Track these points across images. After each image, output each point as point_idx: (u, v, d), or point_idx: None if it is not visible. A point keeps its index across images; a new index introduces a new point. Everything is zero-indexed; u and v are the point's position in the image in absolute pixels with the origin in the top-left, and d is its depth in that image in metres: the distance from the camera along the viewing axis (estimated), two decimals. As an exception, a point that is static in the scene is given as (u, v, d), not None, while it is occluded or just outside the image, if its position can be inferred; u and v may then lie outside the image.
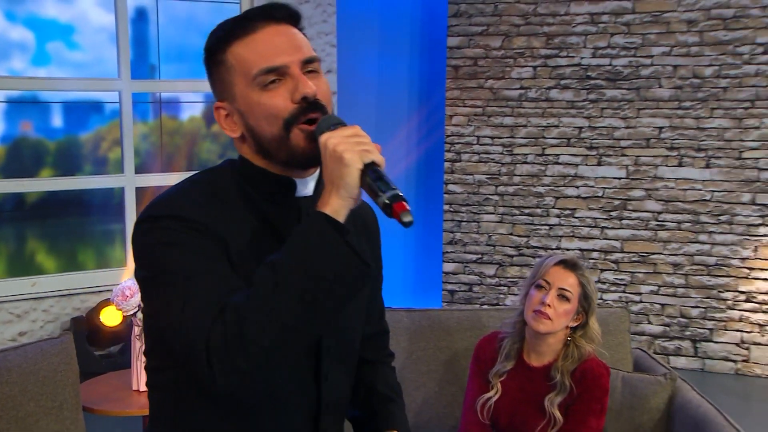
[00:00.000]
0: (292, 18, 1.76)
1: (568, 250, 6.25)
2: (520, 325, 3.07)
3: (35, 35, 5.66)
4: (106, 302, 5.29)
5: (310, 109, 1.65)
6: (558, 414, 2.91)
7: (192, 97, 6.37)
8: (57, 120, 5.99)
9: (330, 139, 1.57)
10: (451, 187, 6.51)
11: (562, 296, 2.97)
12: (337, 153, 1.55)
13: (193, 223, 1.68)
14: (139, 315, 3.95)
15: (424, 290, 6.70)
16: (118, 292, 3.92)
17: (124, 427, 4.82)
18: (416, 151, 7.12)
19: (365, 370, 2.00)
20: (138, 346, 3.92)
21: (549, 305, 2.94)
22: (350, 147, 1.55)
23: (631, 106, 6.06)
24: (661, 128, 6.01)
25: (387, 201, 1.55)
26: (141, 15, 5.97)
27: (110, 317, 5.29)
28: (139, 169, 5.89)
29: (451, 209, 6.55)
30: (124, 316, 4.18)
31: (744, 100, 5.77)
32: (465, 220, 6.48)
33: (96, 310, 5.29)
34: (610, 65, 6.08)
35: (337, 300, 1.61)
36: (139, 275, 1.72)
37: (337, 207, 1.57)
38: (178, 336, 1.63)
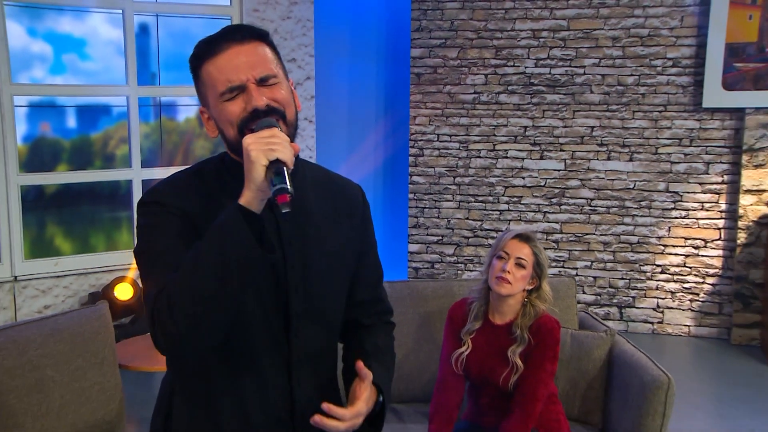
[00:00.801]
0: (255, 36, 1.84)
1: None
2: (485, 291, 3.31)
3: (53, 48, 5.72)
4: (118, 279, 5.55)
5: (258, 117, 1.77)
6: (519, 362, 3.16)
7: (187, 100, 6.32)
8: (71, 121, 6.03)
9: (246, 139, 1.70)
10: (414, 178, 6.63)
11: (519, 264, 3.21)
12: (247, 151, 1.68)
13: (170, 207, 1.83)
14: None
15: (393, 267, 6.70)
16: None
17: (152, 379, 5.23)
18: (384, 147, 7.23)
19: (361, 332, 2.06)
20: None
21: (509, 272, 3.18)
22: (259, 147, 1.68)
23: (567, 108, 6.32)
24: (592, 128, 6.30)
25: (272, 194, 1.68)
26: (143, 29, 5.99)
27: (123, 292, 5.49)
28: (143, 164, 5.95)
29: (415, 197, 6.71)
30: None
31: (659, 105, 6.11)
32: (427, 206, 6.62)
33: (110, 286, 5.47)
34: (549, 74, 6.33)
35: (244, 277, 1.73)
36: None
37: (249, 198, 1.70)
38: (142, 294, 1.87)
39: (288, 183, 1.65)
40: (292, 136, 1.84)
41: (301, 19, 6.24)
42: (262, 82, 1.76)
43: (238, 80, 1.75)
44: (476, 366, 3.23)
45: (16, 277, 5.38)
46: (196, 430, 1.92)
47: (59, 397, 3.29)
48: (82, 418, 3.40)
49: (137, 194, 5.92)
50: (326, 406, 1.75)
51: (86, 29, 5.85)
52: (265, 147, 1.65)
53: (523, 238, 3.26)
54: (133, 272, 5.83)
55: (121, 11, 5.63)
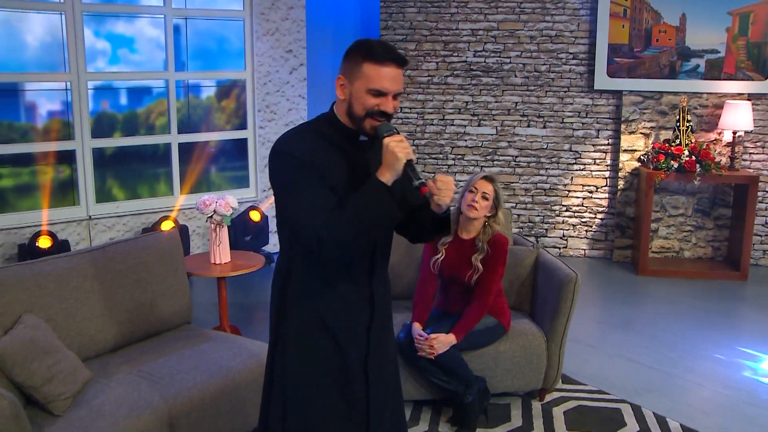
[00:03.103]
0: (405, 65, 2.13)
1: (460, 182, 6.66)
2: (457, 214, 3.68)
3: (111, 44, 6.13)
4: (163, 218, 6.03)
5: (380, 115, 2.10)
6: (480, 265, 3.59)
7: (208, 83, 6.72)
8: (123, 99, 6.39)
9: (391, 142, 2.05)
10: None
11: (484, 197, 3.61)
12: (392, 151, 2.04)
13: (302, 157, 2.09)
14: (216, 217, 4.51)
15: None
16: (200, 204, 4.55)
17: (209, 284, 5.83)
18: None
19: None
20: (214, 236, 4.53)
21: (477, 201, 3.59)
22: (401, 149, 2.04)
23: (498, 88, 6.80)
24: (516, 103, 6.79)
25: (416, 185, 2.04)
26: (176, 29, 6.38)
27: (166, 227, 5.81)
28: (178, 131, 6.41)
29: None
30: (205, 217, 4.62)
31: (564, 86, 6.66)
32: None
33: (158, 222, 5.97)
34: (484, 62, 6.79)
35: (383, 226, 2.12)
36: (272, 185, 2.17)
37: (389, 178, 2.05)
38: (300, 227, 2.07)
39: (421, 176, 2.04)
40: None
41: (296, 20, 6.78)
42: (394, 96, 2.12)
43: (385, 89, 2.09)
44: (447, 268, 3.67)
45: (90, 216, 5.91)
46: (311, 301, 2.24)
47: (151, 293, 3.61)
48: (167, 309, 3.70)
49: (174, 154, 6.35)
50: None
51: (135, 30, 6.27)
52: (404, 150, 2.04)
53: (489, 178, 3.67)
54: (175, 213, 6.22)
55: (163, 16, 6.19)
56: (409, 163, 2.06)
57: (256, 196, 6.92)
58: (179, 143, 6.48)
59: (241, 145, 6.99)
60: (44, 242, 5.40)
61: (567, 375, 4.32)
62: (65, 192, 6.02)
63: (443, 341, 3.54)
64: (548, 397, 4.01)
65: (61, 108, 6.00)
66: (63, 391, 2.87)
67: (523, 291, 4.14)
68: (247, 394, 3.23)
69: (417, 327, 3.63)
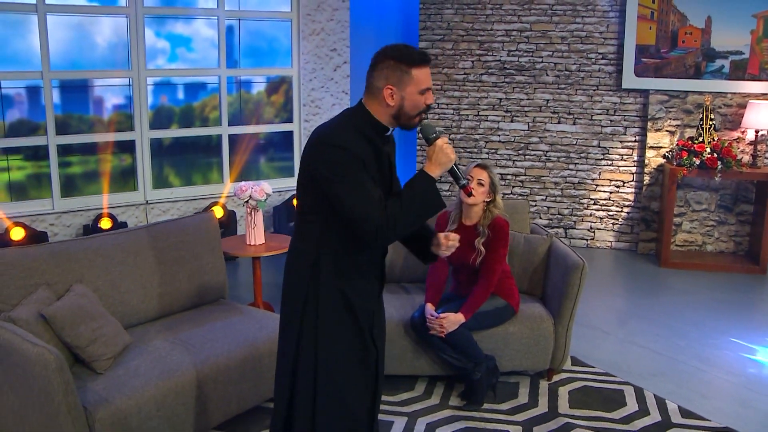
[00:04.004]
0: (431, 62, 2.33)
1: None
2: (459, 203, 3.81)
3: (170, 44, 6.39)
4: (213, 203, 6.23)
5: (426, 111, 2.31)
6: (482, 248, 3.68)
7: (259, 79, 6.93)
8: (180, 94, 6.64)
9: (444, 144, 2.29)
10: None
11: (480, 183, 3.68)
12: (446, 152, 2.27)
13: (356, 151, 2.22)
14: (251, 202, 4.63)
15: None
16: (237, 189, 4.69)
17: (244, 264, 5.98)
18: None
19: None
20: (249, 219, 4.66)
21: (473, 188, 3.66)
22: (450, 151, 2.28)
23: (530, 86, 6.79)
24: (548, 100, 6.78)
25: (462, 185, 2.35)
26: (230, 29, 6.62)
27: (216, 212, 6.05)
28: (229, 123, 6.62)
29: (422, 149, 7.18)
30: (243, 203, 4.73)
31: (593, 85, 6.63)
32: None
33: (208, 207, 6.17)
34: (517, 61, 6.80)
35: (431, 215, 2.30)
36: (323, 176, 2.22)
37: (436, 174, 2.28)
38: (361, 218, 2.19)
39: (465, 177, 2.35)
40: None
41: (340, 21, 6.96)
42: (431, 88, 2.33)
43: (429, 86, 2.30)
44: (454, 254, 3.25)
45: (147, 201, 6.17)
46: (339, 279, 2.36)
47: (189, 270, 3.81)
48: (204, 284, 3.89)
49: (225, 145, 6.57)
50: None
51: (191, 31, 6.52)
52: (453, 154, 2.30)
53: (482, 166, 3.77)
54: (223, 199, 6.40)
55: (216, 17, 6.43)
56: (456, 164, 2.34)
57: (301, 185, 7.08)
58: (229, 135, 6.69)
59: (288, 137, 7.19)
60: (105, 224, 5.71)
61: (577, 358, 4.40)
62: (127, 179, 6.31)
63: (452, 320, 3.66)
64: (556, 378, 4.11)
65: (124, 102, 6.30)
66: (105, 352, 3.12)
67: (536, 277, 4.21)
68: (270, 363, 3.38)
69: (429, 307, 3.75)
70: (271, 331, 3.55)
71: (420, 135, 2.40)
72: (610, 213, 6.83)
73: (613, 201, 6.80)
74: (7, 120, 5.91)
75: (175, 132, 6.52)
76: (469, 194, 2.44)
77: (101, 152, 6.19)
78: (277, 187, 6.53)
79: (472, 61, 6.99)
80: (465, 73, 7.03)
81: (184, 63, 6.54)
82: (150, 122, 6.30)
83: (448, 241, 2.45)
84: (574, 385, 4.03)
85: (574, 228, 6.95)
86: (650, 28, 6.37)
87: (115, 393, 2.93)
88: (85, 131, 6.12)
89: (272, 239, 4.84)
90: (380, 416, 3.59)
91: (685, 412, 3.74)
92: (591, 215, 6.88)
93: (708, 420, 3.66)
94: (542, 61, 6.79)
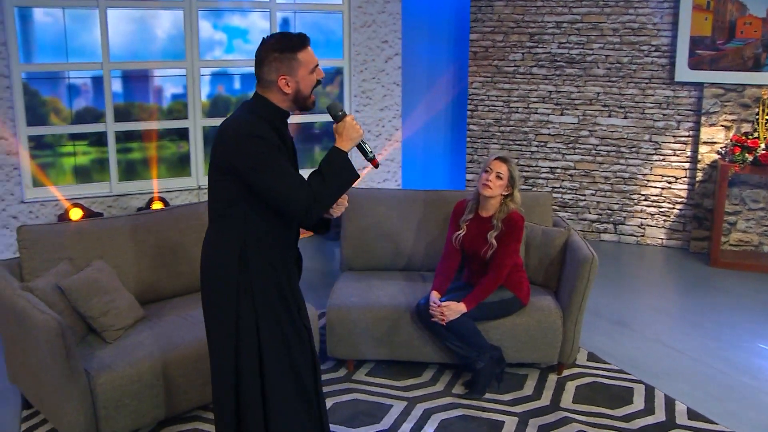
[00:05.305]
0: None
1: (542, 168, 6.91)
2: (477, 194, 3.80)
3: (227, 36, 6.61)
4: None
5: (318, 85, 2.41)
6: (494, 241, 3.71)
7: None
8: (237, 84, 6.86)
9: (352, 120, 2.40)
10: (471, 126, 7.16)
11: (498, 176, 3.70)
12: (356, 128, 2.40)
13: (272, 140, 2.33)
14: None
15: (456, 187, 6.52)
16: None
17: None
18: (450, 104, 7.76)
19: None
20: None
21: (491, 181, 3.69)
22: (358, 127, 2.42)
23: (580, 79, 6.69)
24: (598, 93, 6.66)
25: (370, 157, 2.45)
26: (285, 21, 6.82)
27: None
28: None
29: (471, 140, 7.21)
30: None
31: (645, 78, 6.45)
32: (479, 147, 7.15)
33: None
34: (568, 53, 6.71)
35: (348, 187, 2.42)
36: (246, 167, 2.29)
37: (347, 148, 2.40)
38: (289, 201, 2.30)
39: (372, 151, 2.48)
40: None
41: (392, 13, 7.04)
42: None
43: (317, 62, 2.41)
44: (467, 243, 3.83)
45: (199, 186, 6.43)
46: (269, 265, 2.45)
47: None
48: None
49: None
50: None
51: (248, 23, 6.73)
52: (360, 129, 2.42)
53: (503, 159, 3.75)
54: None
55: (269, 10, 6.64)
56: (362, 139, 2.46)
57: (352, 175, 7.22)
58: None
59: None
60: (156, 206, 6.02)
61: (595, 353, 4.36)
62: (184, 164, 6.63)
63: (453, 309, 3.71)
64: (567, 372, 4.09)
65: (183, 91, 6.59)
66: (115, 323, 3.36)
67: (551, 270, 4.19)
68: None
69: (434, 295, 3.81)
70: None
71: (329, 113, 2.48)
72: (662, 209, 6.67)
73: (664, 197, 6.64)
74: (74, 108, 6.32)
75: (227, 120, 6.78)
76: (377, 166, 2.46)
77: (157, 139, 6.52)
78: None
79: (523, 53, 6.96)
80: (515, 66, 7.00)
81: (240, 54, 6.76)
82: (207, 111, 6.56)
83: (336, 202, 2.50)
84: (583, 381, 4.01)
85: (624, 224, 6.81)
86: (706, 19, 6.15)
87: (118, 361, 3.15)
88: (145, 119, 6.44)
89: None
90: (380, 399, 3.74)
91: (693, 414, 3.65)
92: (641, 211, 6.73)
93: (715, 423, 3.57)
94: (593, 54, 6.68)
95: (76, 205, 5.83)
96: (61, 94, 6.30)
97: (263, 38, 2.40)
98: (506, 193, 3.77)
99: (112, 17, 6.22)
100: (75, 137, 6.34)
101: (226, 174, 2.35)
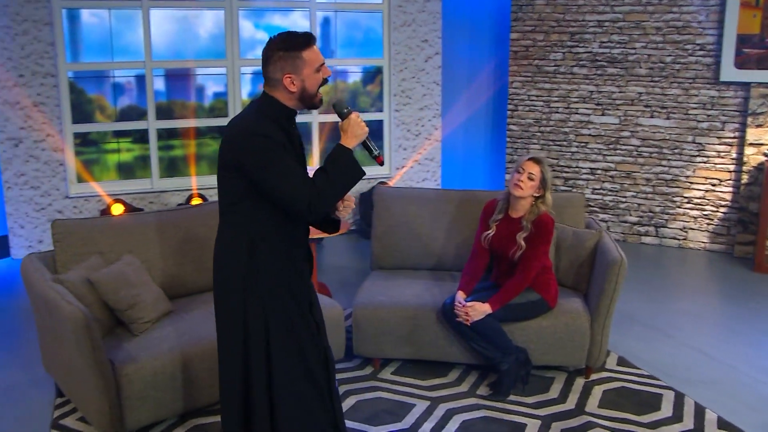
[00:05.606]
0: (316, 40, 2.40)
1: (582, 169, 6.84)
2: (508, 194, 3.77)
3: (268, 35, 6.70)
4: None
5: (324, 83, 2.41)
6: (522, 243, 3.66)
7: (355, 68, 7.19)
8: None
9: (357, 117, 2.40)
10: (511, 126, 7.13)
11: (530, 177, 3.64)
12: (361, 125, 2.39)
13: (277, 138, 2.33)
14: None
15: (495, 187, 7.02)
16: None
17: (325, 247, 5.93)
18: (489, 104, 7.76)
19: None
20: None
21: (522, 181, 3.65)
22: (363, 124, 2.40)
23: (622, 79, 6.57)
24: (640, 93, 6.54)
25: (375, 155, 2.43)
26: (326, 21, 6.94)
27: None
28: (325, 111, 6.71)
29: (511, 140, 7.18)
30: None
31: (689, 78, 6.30)
32: (519, 147, 7.12)
33: None
34: (610, 53, 6.60)
35: (354, 184, 2.40)
36: (250, 165, 2.31)
37: (352, 145, 2.40)
38: (293, 198, 2.31)
39: (377, 148, 2.47)
40: None
41: (432, 12, 7.03)
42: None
43: (322, 61, 2.42)
44: (496, 243, 3.79)
45: None
46: (277, 261, 2.47)
47: None
48: None
49: (315, 132, 6.86)
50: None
51: (289, 22, 6.82)
52: (365, 126, 2.41)
53: (536, 160, 3.69)
54: None
55: (308, 9, 6.72)
56: (367, 136, 2.43)
57: (390, 173, 7.29)
58: (319, 122, 6.98)
59: (381, 126, 7.35)
60: (195, 202, 6.15)
61: (625, 358, 4.27)
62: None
63: (478, 309, 3.67)
64: (595, 376, 4.01)
65: (224, 90, 6.71)
66: (142, 316, 3.43)
67: (582, 272, 4.12)
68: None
69: (460, 295, 3.78)
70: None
71: (334, 111, 2.48)
72: (705, 213, 6.50)
73: (708, 200, 6.46)
74: (119, 106, 6.49)
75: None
76: (382, 164, 2.44)
77: (199, 137, 6.66)
78: (369, 174, 6.70)
79: (563, 53, 6.87)
80: (555, 65, 6.92)
81: (281, 53, 6.85)
82: (246, 109, 6.67)
83: (343, 203, 2.55)
84: (612, 385, 3.93)
85: (666, 227, 6.66)
86: (754, 16, 5.96)
87: (142, 353, 3.22)
88: (187, 117, 6.58)
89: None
90: (403, 398, 3.73)
91: (723, 423, 3.55)
92: (684, 214, 6.58)
93: (746, 433, 3.46)
94: (635, 53, 6.55)
95: (118, 200, 5.98)
96: (106, 92, 6.47)
97: (270, 37, 2.42)
98: (537, 195, 3.73)
99: (155, 17, 6.36)
100: (119, 134, 6.50)
101: (233, 171, 2.37)
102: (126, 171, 6.58)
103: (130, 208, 5.94)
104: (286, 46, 2.35)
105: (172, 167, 6.68)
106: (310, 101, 2.42)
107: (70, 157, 6.08)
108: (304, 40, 2.36)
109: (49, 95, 5.91)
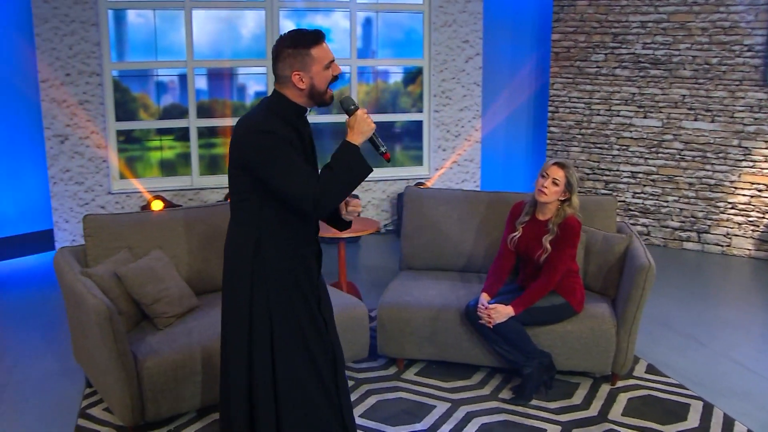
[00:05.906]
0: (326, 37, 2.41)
1: (623, 172, 6.72)
2: (534, 198, 3.76)
3: None
4: None
5: (335, 79, 2.41)
6: (548, 246, 3.64)
7: (396, 69, 7.18)
8: None
9: (363, 114, 2.38)
10: (552, 128, 7.07)
11: (554, 182, 3.62)
12: (367, 121, 2.37)
13: (278, 133, 2.32)
14: None
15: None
16: None
17: (328, 245, 6.32)
18: (530, 105, 7.72)
19: None
20: None
21: (546, 186, 3.62)
22: (370, 121, 2.38)
23: (665, 81, 6.43)
24: (684, 96, 6.40)
25: (382, 151, 2.40)
26: (368, 21, 6.96)
27: None
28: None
29: (551, 142, 7.11)
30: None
31: (736, 80, 6.13)
32: (560, 149, 7.05)
33: None
34: (653, 54, 6.46)
35: (361, 181, 2.38)
36: (256, 161, 2.31)
37: (359, 142, 2.38)
38: (298, 195, 2.30)
39: (384, 144, 2.45)
40: None
41: (473, 12, 7.00)
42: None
43: (332, 58, 2.42)
44: (522, 245, 3.76)
45: None
46: (284, 258, 2.48)
47: None
48: None
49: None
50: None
51: (331, 22, 6.90)
52: (372, 122, 2.40)
53: (560, 165, 3.66)
54: None
55: (349, 10, 6.77)
56: (375, 133, 2.41)
57: (429, 173, 7.29)
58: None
59: (421, 126, 7.35)
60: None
61: (655, 365, 4.17)
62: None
63: (501, 312, 3.64)
64: (621, 383, 3.93)
65: (264, 89, 6.82)
66: (167, 311, 3.50)
67: (610, 277, 4.04)
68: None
69: (484, 297, 3.75)
70: (340, 309, 3.65)
71: (341, 108, 2.48)
72: (750, 219, 6.32)
73: (753, 206, 6.28)
74: (162, 104, 6.64)
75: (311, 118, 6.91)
76: (389, 160, 2.46)
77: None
78: (408, 174, 6.72)
79: (605, 54, 6.77)
80: (597, 67, 6.82)
81: (323, 54, 6.91)
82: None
83: (348, 206, 2.58)
84: (637, 393, 3.84)
85: (709, 233, 6.50)
86: (804, 17, 5.72)
87: (165, 347, 3.29)
88: (228, 115, 6.67)
89: (357, 221, 5.00)
90: (424, 399, 3.72)
91: (752, 436, 3.44)
92: (728, 220, 6.41)
93: (776, 448, 3.34)
94: (679, 54, 6.41)
95: (158, 197, 6.11)
96: (150, 91, 6.62)
97: (280, 35, 2.43)
98: (563, 198, 3.69)
99: (198, 17, 6.48)
100: (162, 132, 6.65)
101: (240, 168, 2.39)
102: (168, 168, 6.72)
103: (169, 204, 6.06)
104: (294, 44, 2.36)
105: (213, 165, 6.80)
106: (319, 98, 2.43)
107: (112, 154, 6.24)
108: (313, 37, 2.37)
109: (94, 93, 6.07)
